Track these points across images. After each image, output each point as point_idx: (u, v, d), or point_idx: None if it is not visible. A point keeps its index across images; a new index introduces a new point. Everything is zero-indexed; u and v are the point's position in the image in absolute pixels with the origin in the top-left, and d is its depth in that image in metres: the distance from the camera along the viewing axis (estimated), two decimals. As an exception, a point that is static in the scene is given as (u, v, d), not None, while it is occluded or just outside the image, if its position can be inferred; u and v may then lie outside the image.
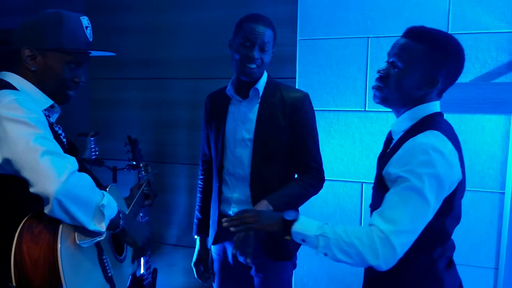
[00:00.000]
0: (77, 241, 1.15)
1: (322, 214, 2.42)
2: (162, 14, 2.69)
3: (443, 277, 1.29)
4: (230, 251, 1.85)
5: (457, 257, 2.32)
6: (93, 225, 1.15)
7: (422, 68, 1.23)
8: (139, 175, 2.47)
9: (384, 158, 1.32)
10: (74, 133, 2.66)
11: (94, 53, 1.39)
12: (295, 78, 2.41)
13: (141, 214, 2.38)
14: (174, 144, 2.76)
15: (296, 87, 2.39)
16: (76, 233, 1.15)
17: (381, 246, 1.12)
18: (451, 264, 1.35)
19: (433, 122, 1.26)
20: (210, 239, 1.91)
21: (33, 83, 1.27)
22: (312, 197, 1.76)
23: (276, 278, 1.80)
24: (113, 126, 2.87)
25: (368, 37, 2.27)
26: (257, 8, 2.47)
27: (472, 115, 2.14)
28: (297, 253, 1.89)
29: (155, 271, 2.59)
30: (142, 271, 2.46)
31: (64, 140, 1.35)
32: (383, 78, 1.30)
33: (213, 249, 1.94)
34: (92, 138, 2.53)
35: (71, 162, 1.14)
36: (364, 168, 2.34)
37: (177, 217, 2.81)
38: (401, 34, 1.32)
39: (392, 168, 1.21)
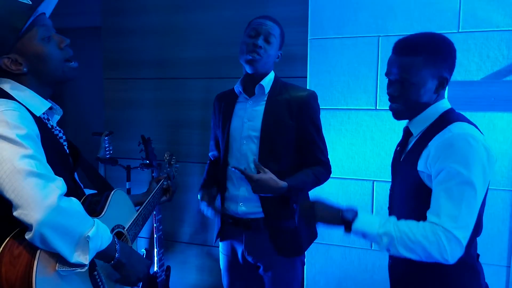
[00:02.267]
0: (57, 268, 1.08)
1: (333, 212, 2.43)
2: (174, 15, 2.73)
3: (479, 269, 1.34)
4: (238, 250, 1.86)
5: (468, 255, 2.28)
6: (75, 257, 1.07)
7: (431, 74, 1.30)
8: (153, 174, 2.51)
9: (406, 157, 1.36)
10: (89, 132, 2.71)
11: (48, 12, 1.27)
12: (306, 77, 2.43)
13: (154, 213, 2.41)
14: (186, 143, 2.79)
15: (307, 86, 2.41)
16: (58, 258, 1.08)
17: (448, 242, 1.16)
18: (478, 256, 1.39)
19: (454, 115, 1.31)
20: (214, 237, 1.92)
21: (31, 87, 1.20)
22: (323, 195, 1.77)
23: (285, 276, 1.81)
24: (127, 126, 2.91)
25: (379, 36, 2.28)
26: (268, 8, 2.49)
27: (483, 113, 2.13)
28: (307, 251, 1.89)
29: (168, 268, 2.62)
30: (155, 268, 2.50)
31: (65, 143, 1.30)
32: (399, 98, 1.34)
33: (221, 249, 1.95)
34: (106, 138, 2.58)
35: (59, 186, 1.06)
36: (375, 166, 2.35)
37: (190, 215, 2.85)
38: (412, 33, 1.36)
39: (432, 163, 1.23)
